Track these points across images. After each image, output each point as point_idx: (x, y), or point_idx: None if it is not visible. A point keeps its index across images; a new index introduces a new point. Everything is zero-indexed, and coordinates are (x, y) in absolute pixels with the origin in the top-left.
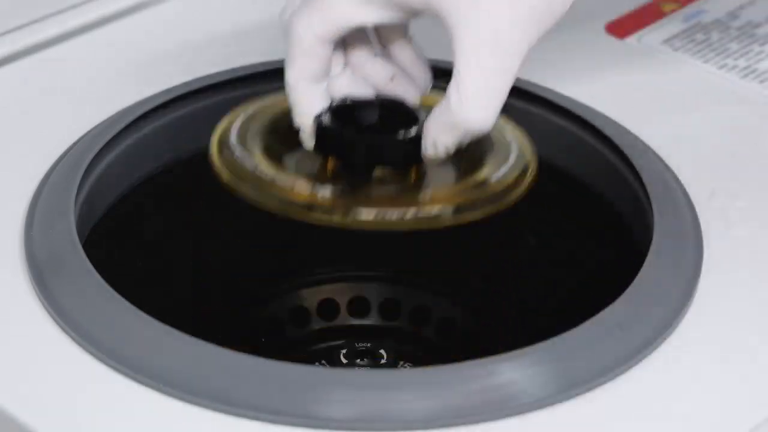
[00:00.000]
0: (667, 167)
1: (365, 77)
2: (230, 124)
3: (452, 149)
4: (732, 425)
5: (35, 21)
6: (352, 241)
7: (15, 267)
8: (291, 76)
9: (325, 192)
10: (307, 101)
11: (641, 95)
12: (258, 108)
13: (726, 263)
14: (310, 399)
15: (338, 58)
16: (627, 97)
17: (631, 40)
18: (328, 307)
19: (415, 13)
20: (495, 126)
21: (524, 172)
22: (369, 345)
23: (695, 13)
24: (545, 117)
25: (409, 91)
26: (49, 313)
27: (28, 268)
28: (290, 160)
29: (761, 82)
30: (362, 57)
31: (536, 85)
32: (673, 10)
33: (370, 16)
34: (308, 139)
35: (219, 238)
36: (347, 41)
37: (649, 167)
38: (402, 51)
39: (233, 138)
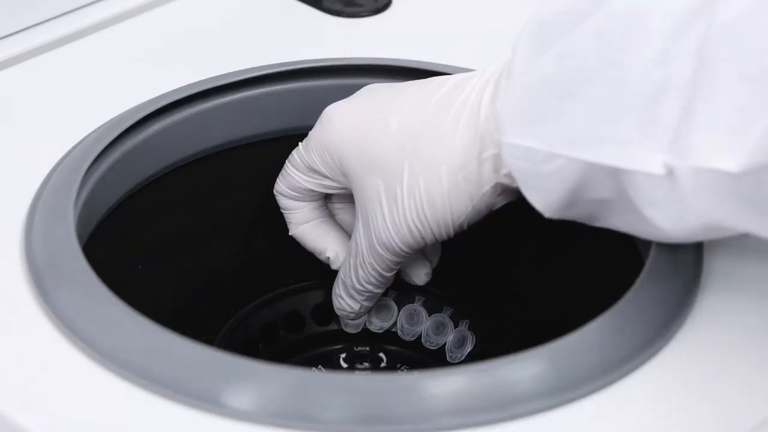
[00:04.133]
0: None
1: None
2: None
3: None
4: (732, 426)
5: (33, 26)
6: None
7: (15, 270)
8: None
9: None
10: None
11: None
12: None
13: (726, 267)
14: (309, 402)
15: None
16: None
17: None
18: (326, 312)
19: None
20: None
21: None
22: (368, 349)
23: None
24: None
25: (419, 266)
26: (48, 316)
27: (28, 271)
28: None
29: None
30: None
31: None
32: None
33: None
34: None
35: (217, 241)
36: None
37: None
38: None
39: None
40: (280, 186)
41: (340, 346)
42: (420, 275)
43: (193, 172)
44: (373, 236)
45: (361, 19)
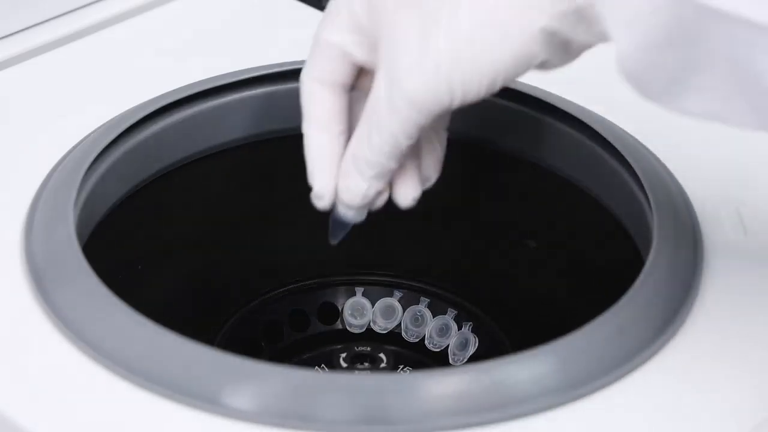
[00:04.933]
0: (667, 171)
1: None
2: None
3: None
4: (732, 426)
5: (33, 26)
6: (350, 244)
7: (15, 270)
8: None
9: None
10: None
11: (642, 100)
12: None
13: (726, 267)
14: (309, 402)
15: None
16: (628, 102)
17: None
18: (328, 311)
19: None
20: None
21: None
22: (369, 349)
23: None
24: (548, 122)
25: (409, 183)
26: (48, 316)
27: (28, 271)
28: None
29: None
30: None
31: (541, 90)
32: None
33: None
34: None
35: (218, 241)
36: None
37: (649, 171)
38: (429, 141)
39: None
40: (308, 66)
41: (341, 346)
42: (407, 195)
43: (193, 172)
44: (396, 86)
45: None
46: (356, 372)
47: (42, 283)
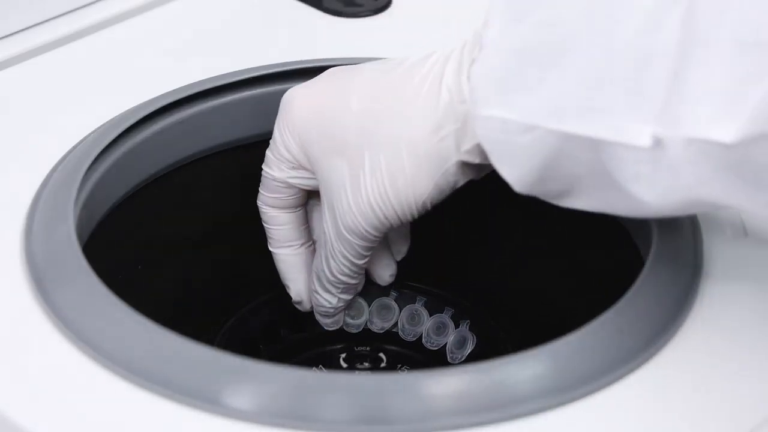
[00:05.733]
0: None
1: None
2: None
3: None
4: (732, 426)
5: (33, 26)
6: None
7: (15, 270)
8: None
9: None
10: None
11: None
12: None
13: (726, 268)
14: (309, 402)
15: None
16: None
17: None
18: None
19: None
20: None
21: None
22: (368, 349)
23: None
24: None
25: (383, 264)
26: (48, 316)
27: (28, 271)
28: None
29: None
30: None
31: None
32: None
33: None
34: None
35: (218, 241)
36: None
37: None
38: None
39: None
40: (261, 194)
41: (340, 346)
42: (384, 276)
43: (193, 172)
44: (339, 221)
45: (361, 19)
46: (356, 372)
47: (42, 283)
